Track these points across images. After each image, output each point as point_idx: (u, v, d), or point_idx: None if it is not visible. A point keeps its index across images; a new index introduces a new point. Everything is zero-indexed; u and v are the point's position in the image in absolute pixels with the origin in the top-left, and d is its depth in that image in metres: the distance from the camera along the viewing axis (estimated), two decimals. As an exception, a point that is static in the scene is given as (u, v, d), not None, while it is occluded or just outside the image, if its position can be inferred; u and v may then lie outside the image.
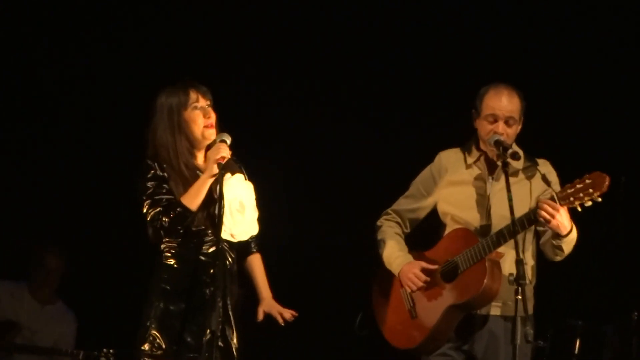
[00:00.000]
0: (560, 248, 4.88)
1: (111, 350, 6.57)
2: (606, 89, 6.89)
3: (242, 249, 4.97)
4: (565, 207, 4.72)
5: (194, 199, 4.73)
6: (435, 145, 5.24)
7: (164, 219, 4.73)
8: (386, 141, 7.11)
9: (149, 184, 4.79)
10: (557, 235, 4.81)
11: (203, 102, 4.88)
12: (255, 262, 5.04)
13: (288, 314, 4.98)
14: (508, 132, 4.93)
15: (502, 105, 4.92)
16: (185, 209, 4.72)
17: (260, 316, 5.01)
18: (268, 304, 5.00)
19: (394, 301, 5.14)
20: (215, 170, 4.71)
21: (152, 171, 4.80)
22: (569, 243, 4.87)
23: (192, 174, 4.83)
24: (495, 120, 4.94)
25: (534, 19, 7.01)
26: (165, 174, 4.80)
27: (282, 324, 5.00)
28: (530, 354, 5.06)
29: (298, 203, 7.07)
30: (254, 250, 5.04)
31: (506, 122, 4.93)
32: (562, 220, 4.72)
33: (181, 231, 4.75)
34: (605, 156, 6.50)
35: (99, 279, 7.26)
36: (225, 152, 4.72)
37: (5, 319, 6.77)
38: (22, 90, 7.34)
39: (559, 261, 5.00)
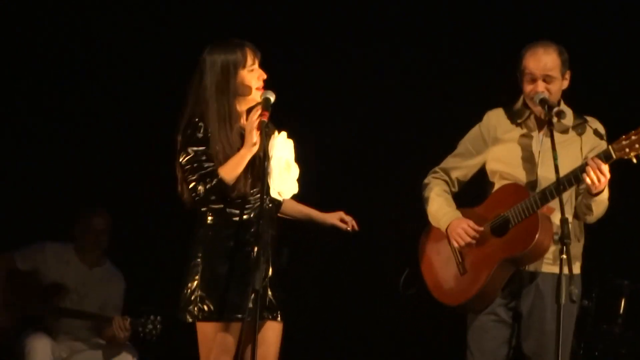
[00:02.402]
0: (589, 208, 4.88)
1: (158, 317, 6.60)
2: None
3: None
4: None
5: (232, 171, 4.70)
6: (484, 105, 5.22)
7: (199, 187, 4.70)
8: (433, 98, 7.08)
9: (193, 147, 4.74)
10: (588, 194, 4.79)
11: (257, 64, 4.84)
12: (288, 201, 5.02)
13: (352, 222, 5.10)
14: (550, 89, 4.92)
15: (539, 64, 4.91)
16: (222, 180, 4.69)
17: (339, 222, 5.11)
18: (330, 215, 5.09)
19: (441, 258, 5.12)
20: (254, 138, 4.67)
21: (198, 131, 4.75)
22: (598, 204, 4.86)
23: (236, 136, 4.79)
24: (534, 80, 4.92)
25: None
26: (209, 134, 4.75)
27: (356, 229, 5.10)
28: (576, 313, 5.04)
29: (344, 158, 7.06)
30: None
31: (545, 80, 4.91)
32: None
33: (213, 198, 4.72)
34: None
35: (143, 240, 7.32)
36: (257, 114, 4.70)
37: (52, 281, 6.80)
38: (67, 57, 7.38)
39: (604, 219, 4.98)
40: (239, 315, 4.72)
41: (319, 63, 7.19)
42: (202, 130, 4.76)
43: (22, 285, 6.75)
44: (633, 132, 4.64)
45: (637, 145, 4.62)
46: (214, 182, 4.69)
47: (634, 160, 4.66)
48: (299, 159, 4.91)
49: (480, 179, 5.14)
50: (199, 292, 4.76)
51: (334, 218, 5.10)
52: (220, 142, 4.75)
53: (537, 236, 4.80)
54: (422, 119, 7.08)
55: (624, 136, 4.67)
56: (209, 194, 4.70)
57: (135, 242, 7.33)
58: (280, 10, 7.25)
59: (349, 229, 5.09)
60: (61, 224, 6.97)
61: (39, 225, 7.12)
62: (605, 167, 4.69)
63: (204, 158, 4.73)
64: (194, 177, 4.71)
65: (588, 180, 4.69)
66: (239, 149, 4.75)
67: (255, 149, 4.70)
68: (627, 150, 4.64)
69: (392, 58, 7.22)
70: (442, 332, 6.40)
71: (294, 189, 4.88)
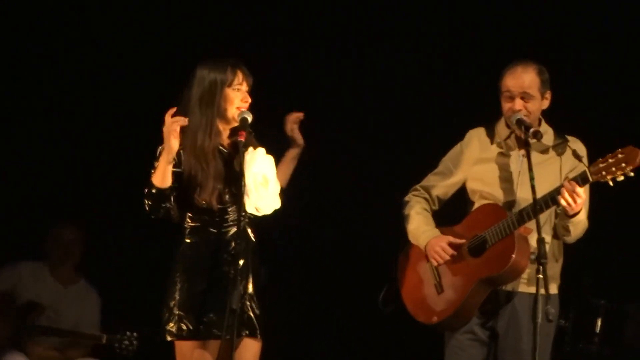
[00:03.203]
0: (567, 229, 4.89)
1: (134, 334, 6.59)
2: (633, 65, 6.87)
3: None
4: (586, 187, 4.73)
5: (158, 179, 4.68)
6: (465, 123, 5.24)
7: (146, 202, 4.72)
8: (416, 116, 7.09)
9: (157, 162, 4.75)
10: (565, 215, 4.81)
11: (245, 87, 4.87)
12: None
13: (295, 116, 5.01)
14: (527, 107, 4.93)
15: (517, 82, 4.92)
16: (155, 187, 4.67)
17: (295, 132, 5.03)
18: (291, 147, 5.03)
19: (419, 276, 5.14)
20: (170, 143, 4.63)
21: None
22: (575, 225, 4.87)
23: (213, 151, 4.80)
24: (512, 98, 4.94)
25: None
26: (182, 147, 4.74)
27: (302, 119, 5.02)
28: (553, 333, 5.05)
29: (323, 176, 7.06)
30: None
31: (523, 98, 4.93)
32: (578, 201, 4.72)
33: (161, 212, 4.73)
34: (629, 132, 6.49)
35: (120, 257, 7.29)
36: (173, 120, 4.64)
37: (28, 299, 6.77)
38: (36, 66, 7.35)
39: (581, 240, 4.99)
40: (217, 333, 4.71)
41: (309, 73, 7.20)
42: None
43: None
44: (610, 155, 4.66)
45: (613, 169, 4.63)
46: (152, 191, 4.68)
47: (611, 184, 4.68)
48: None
49: (462, 197, 5.15)
50: (177, 311, 4.76)
51: (293, 140, 5.02)
52: (194, 156, 4.76)
53: (513, 257, 4.81)
54: (410, 133, 7.09)
55: (600, 159, 4.68)
56: (151, 208, 4.71)
57: (112, 259, 7.30)
58: (267, 19, 7.26)
59: (301, 118, 5.02)
60: (34, 242, 6.94)
61: (11, 243, 7.07)
62: (581, 190, 4.71)
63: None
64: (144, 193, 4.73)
65: (563, 202, 4.71)
66: (214, 165, 4.77)
67: (171, 153, 4.65)
68: (604, 173, 4.65)
69: (382, 67, 7.20)
70: (421, 350, 6.38)
71: (275, 204, 4.87)
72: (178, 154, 4.75)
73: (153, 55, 7.07)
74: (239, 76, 4.84)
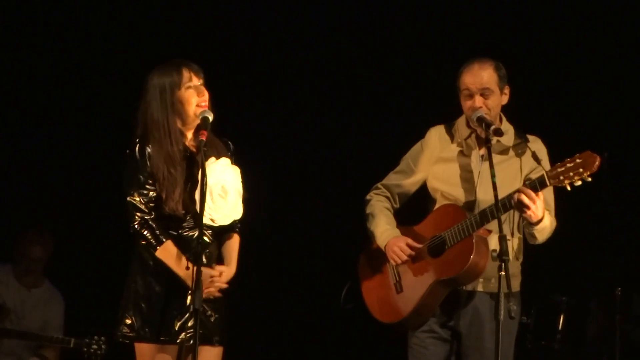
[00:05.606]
0: (533, 236, 4.91)
1: (102, 338, 6.57)
2: (588, 65, 6.91)
3: (224, 229, 4.91)
4: (541, 195, 4.74)
5: (163, 258, 4.72)
6: (426, 121, 5.23)
7: (135, 227, 4.72)
8: (376, 115, 7.10)
9: (136, 175, 4.74)
10: (529, 223, 4.82)
11: (196, 81, 4.81)
12: (232, 240, 4.95)
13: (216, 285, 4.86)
14: (487, 104, 4.93)
15: (475, 79, 4.93)
16: (153, 252, 4.71)
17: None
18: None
19: (380, 275, 5.14)
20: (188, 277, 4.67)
21: (140, 156, 4.75)
22: (540, 231, 4.88)
23: (180, 154, 4.78)
24: (472, 95, 4.94)
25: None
26: (150, 153, 4.74)
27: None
28: (516, 330, 5.07)
29: (282, 175, 7.07)
30: (236, 230, 4.96)
31: (482, 95, 4.93)
32: (535, 210, 4.73)
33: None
34: (588, 131, 6.54)
35: (84, 258, 7.27)
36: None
37: (-9, 303, 6.76)
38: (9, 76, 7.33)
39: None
40: (174, 337, 4.71)
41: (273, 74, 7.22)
42: (145, 151, 4.75)
43: None
44: (568, 160, 4.65)
45: (571, 174, 4.62)
46: (148, 239, 4.71)
47: (568, 188, 4.67)
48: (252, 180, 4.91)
49: (425, 195, 5.16)
50: (132, 313, 4.74)
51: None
52: (158, 158, 4.73)
53: (471, 258, 4.82)
54: (370, 130, 7.11)
55: (559, 163, 4.68)
56: (138, 237, 4.73)
57: (79, 261, 7.27)
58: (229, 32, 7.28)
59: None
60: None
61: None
62: (535, 194, 4.69)
63: (147, 187, 4.72)
64: (136, 219, 4.71)
65: (528, 213, 4.70)
66: (181, 171, 4.74)
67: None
68: (562, 178, 4.65)
69: (341, 65, 7.24)
70: (384, 349, 6.41)
71: (234, 214, 4.84)
72: (148, 158, 4.75)
73: (126, 64, 7.06)
74: (185, 75, 4.79)
